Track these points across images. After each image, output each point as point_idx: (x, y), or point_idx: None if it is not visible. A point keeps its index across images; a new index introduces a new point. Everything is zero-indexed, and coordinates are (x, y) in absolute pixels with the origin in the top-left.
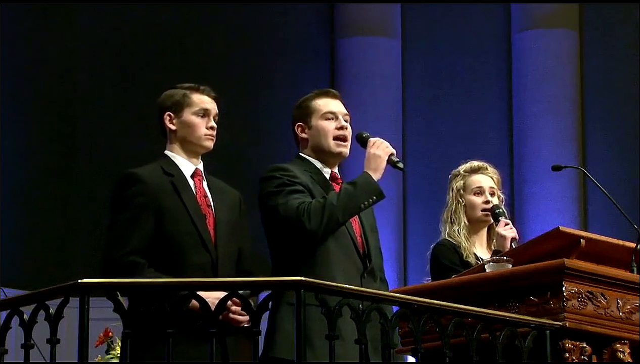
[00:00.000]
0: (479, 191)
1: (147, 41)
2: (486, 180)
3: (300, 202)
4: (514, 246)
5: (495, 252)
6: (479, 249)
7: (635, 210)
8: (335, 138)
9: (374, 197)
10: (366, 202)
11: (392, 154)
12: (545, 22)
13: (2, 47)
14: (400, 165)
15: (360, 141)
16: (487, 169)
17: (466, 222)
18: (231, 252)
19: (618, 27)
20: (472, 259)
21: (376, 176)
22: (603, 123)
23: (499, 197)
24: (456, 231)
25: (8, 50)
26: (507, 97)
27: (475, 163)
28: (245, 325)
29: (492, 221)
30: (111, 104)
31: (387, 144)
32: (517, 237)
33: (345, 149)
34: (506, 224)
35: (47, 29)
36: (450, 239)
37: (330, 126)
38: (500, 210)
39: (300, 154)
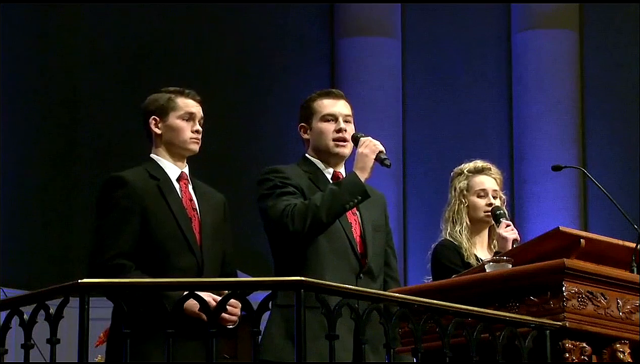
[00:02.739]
0: (483, 194)
1: (147, 42)
2: (490, 182)
3: (287, 204)
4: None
5: (496, 254)
6: (480, 250)
7: (635, 210)
8: (334, 140)
9: (359, 197)
10: (351, 203)
11: (380, 152)
12: (545, 22)
13: (2, 46)
14: (387, 162)
15: (354, 141)
16: (490, 169)
17: (468, 222)
18: (216, 256)
19: (618, 27)
20: (472, 261)
21: (363, 176)
22: (603, 123)
23: (500, 199)
24: (458, 231)
25: (8, 50)
26: (507, 97)
27: (479, 163)
28: (230, 326)
29: (493, 222)
30: (112, 103)
31: (376, 142)
32: (519, 238)
33: (344, 149)
34: (507, 226)
35: (47, 29)
36: (452, 240)
37: (329, 128)
38: (502, 211)
39: (306, 154)
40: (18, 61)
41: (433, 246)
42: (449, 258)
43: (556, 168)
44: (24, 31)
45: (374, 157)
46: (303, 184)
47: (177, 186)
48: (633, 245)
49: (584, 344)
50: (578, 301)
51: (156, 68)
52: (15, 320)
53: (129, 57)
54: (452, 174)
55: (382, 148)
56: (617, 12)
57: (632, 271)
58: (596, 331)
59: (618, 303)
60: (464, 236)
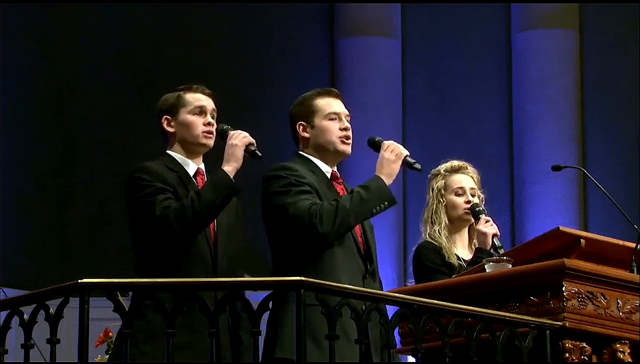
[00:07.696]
0: (461, 192)
1: (146, 42)
2: (467, 180)
3: (312, 203)
4: (496, 242)
5: (478, 250)
6: (461, 249)
7: (635, 210)
8: (340, 138)
9: (386, 203)
10: (378, 208)
11: (407, 156)
12: (545, 22)
13: (1, 46)
14: (418, 166)
15: (373, 146)
16: (467, 168)
17: (447, 222)
18: (229, 253)
19: (618, 27)
20: (454, 260)
21: (389, 181)
22: (603, 123)
23: (479, 197)
24: (437, 231)
25: (8, 49)
26: (507, 97)
27: (455, 163)
28: (253, 147)
29: (472, 220)
30: (111, 104)
31: (401, 147)
32: (499, 233)
33: (349, 147)
34: (487, 222)
35: (46, 29)
36: (432, 241)
37: (334, 127)
38: (480, 208)
39: (300, 152)
40: (18, 61)
41: (413, 248)
42: (430, 259)
43: (556, 168)
44: (24, 31)
45: (401, 162)
46: (315, 183)
47: (194, 181)
48: (633, 245)
49: (584, 344)
50: (578, 301)
51: (155, 68)
52: (15, 320)
53: (128, 58)
54: (429, 176)
55: (407, 152)
56: (617, 12)
57: (632, 271)
58: (596, 331)
59: (618, 303)
60: (443, 236)
